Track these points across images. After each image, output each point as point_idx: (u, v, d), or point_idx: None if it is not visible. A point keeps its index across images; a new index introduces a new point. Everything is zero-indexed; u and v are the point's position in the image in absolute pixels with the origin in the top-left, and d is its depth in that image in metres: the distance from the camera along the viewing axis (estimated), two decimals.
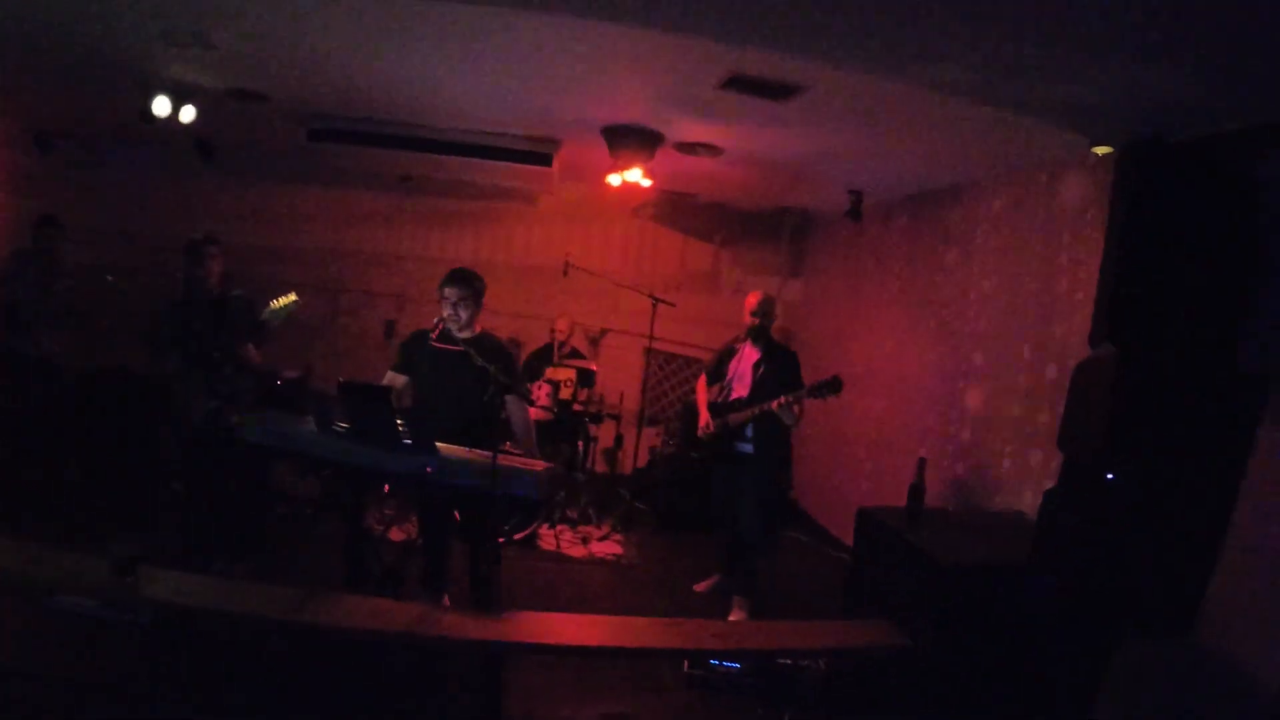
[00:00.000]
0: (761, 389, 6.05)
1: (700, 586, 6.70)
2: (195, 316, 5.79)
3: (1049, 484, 4.94)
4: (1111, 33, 3.51)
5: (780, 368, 6.11)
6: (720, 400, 6.34)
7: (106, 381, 7.77)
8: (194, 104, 6.52)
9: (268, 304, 5.57)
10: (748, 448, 6.19)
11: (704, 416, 6.36)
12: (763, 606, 6.16)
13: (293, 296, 5.62)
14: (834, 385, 5.61)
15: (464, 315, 5.10)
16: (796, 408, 5.83)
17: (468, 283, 5.14)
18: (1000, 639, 4.48)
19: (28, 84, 6.94)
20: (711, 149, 6.76)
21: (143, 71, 6.07)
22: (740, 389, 6.22)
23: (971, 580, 4.55)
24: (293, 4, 4.56)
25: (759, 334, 6.19)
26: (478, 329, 5.23)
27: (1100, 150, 4.94)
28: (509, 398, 5.07)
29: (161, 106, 6.36)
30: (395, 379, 5.27)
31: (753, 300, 6.22)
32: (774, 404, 5.83)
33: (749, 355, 6.24)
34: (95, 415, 7.56)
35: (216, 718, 4.11)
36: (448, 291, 5.11)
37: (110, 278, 7.37)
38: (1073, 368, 4.82)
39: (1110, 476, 4.26)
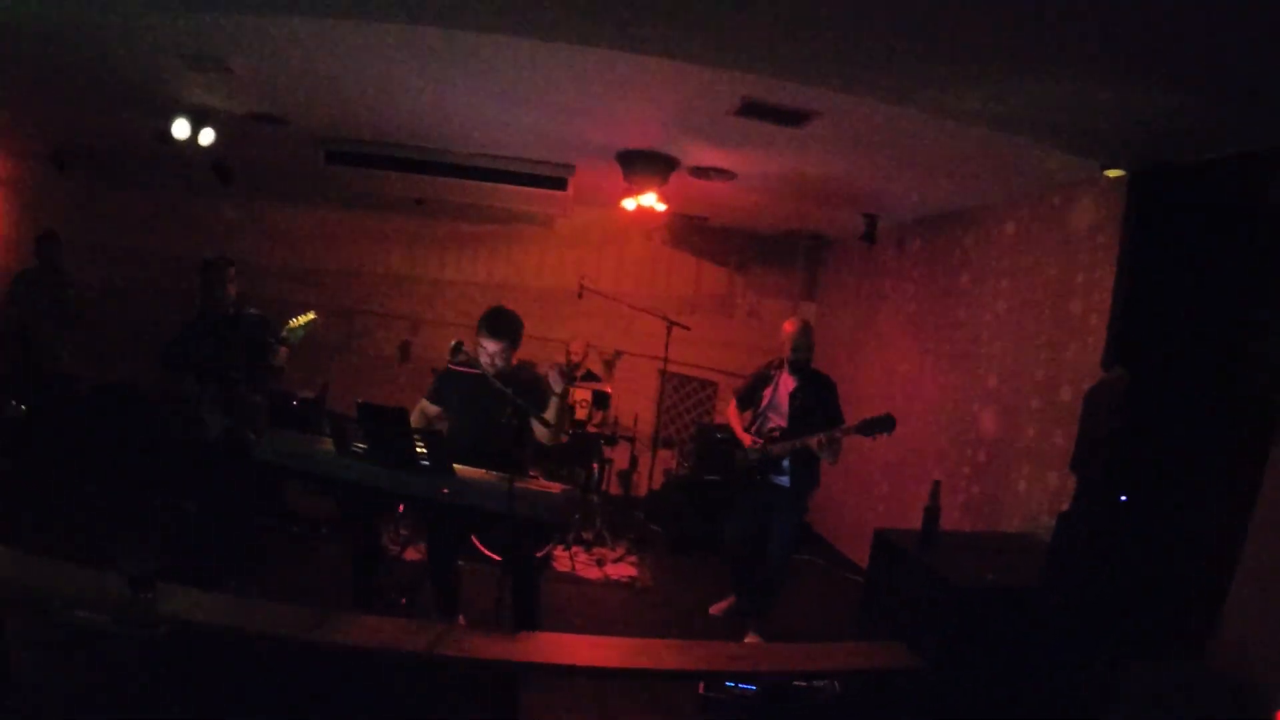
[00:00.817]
0: (802, 420, 5.92)
1: (715, 609, 6.67)
2: (210, 335, 5.84)
3: (1065, 506, 4.94)
4: (1120, 59, 3.55)
5: (820, 398, 5.98)
6: (754, 429, 6.21)
7: (117, 397, 7.84)
8: (213, 127, 6.60)
9: (286, 323, 5.62)
10: (784, 480, 6.04)
11: (746, 439, 6.17)
12: (777, 629, 6.14)
13: (311, 315, 5.68)
14: (886, 423, 5.45)
15: (500, 364, 4.98)
16: (836, 447, 5.67)
17: (506, 334, 4.99)
18: (1013, 661, 4.48)
19: (48, 104, 7.04)
20: (725, 173, 6.81)
21: (163, 94, 6.17)
22: (777, 419, 6.08)
23: (985, 602, 4.54)
24: (311, 31, 4.64)
25: (798, 366, 6.05)
26: (514, 361, 5.15)
27: (1112, 174, 4.98)
28: (534, 422, 4.96)
29: (181, 129, 6.45)
30: (427, 409, 5.27)
31: (791, 329, 6.08)
32: (813, 442, 5.67)
33: (786, 384, 6.11)
34: (107, 430, 7.63)
35: None
36: (489, 345, 4.97)
37: (120, 283, 7.51)
38: (1085, 390, 4.84)
39: (1123, 498, 4.26)
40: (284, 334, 5.61)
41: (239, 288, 6.02)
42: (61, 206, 9.60)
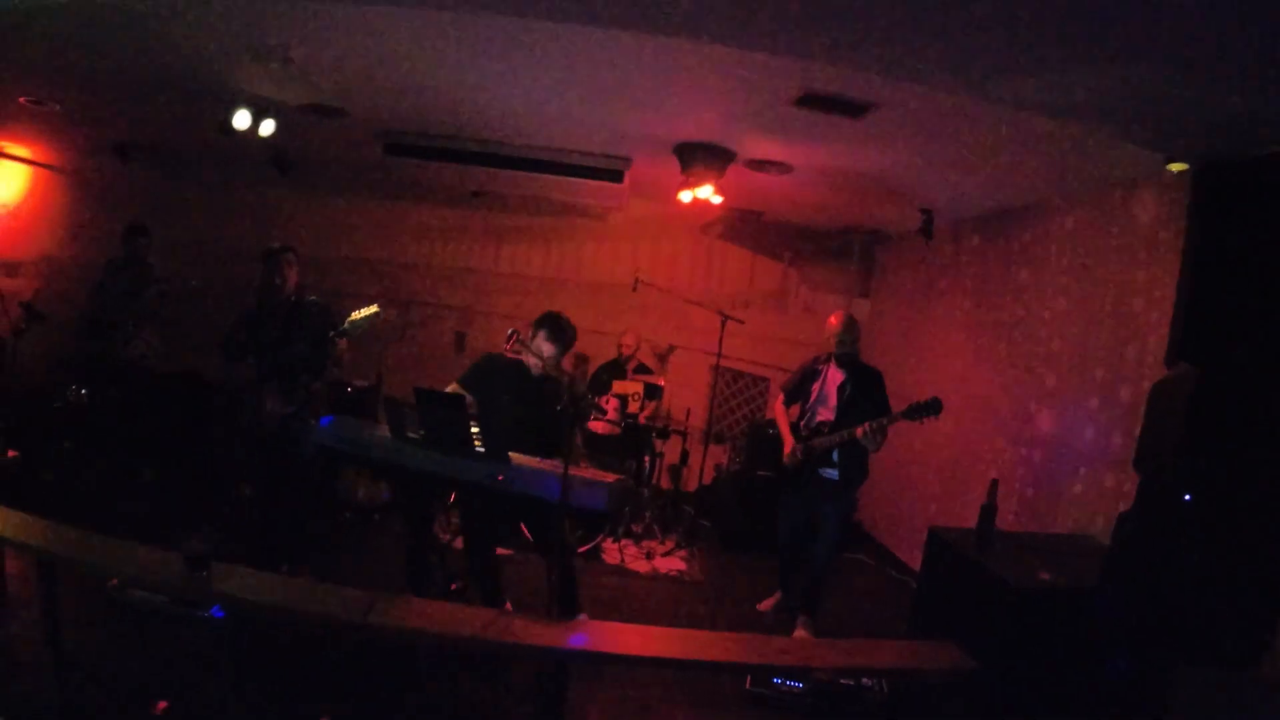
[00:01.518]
0: (849, 413, 5.92)
1: (764, 605, 6.65)
2: (270, 324, 5.90)
3: (1122, 507, 4.86)
4: (1188, 49, 3.48)
5: (867, 390, 5.99)
6: (803, 423, 6.22)
7: (181, 385, 7.98)
8: (274, 118, 6.68)
9: (348, 315, 5.67)
10: (833, 474, 6.06)
11: (789, 442, 6.22)
12: (826, 628, 6.10)
13: (374, 309, 5.72)
14: (933, 407, 5.46)
15: (548, 370, 5.18)
16: (880, 436, 5.69)
17: (566, 343, 5.25)
18: (1068, 664, 4.40)
19: (111, 97, 7.15)
20: (782, 166, 6.77)
21: (224, 86, 6.25)
22: (825, 413, 6.10)
23: (1041, 603, 4.47)
24: (372, 24, 4.68)
25: (844, 359, 6.08)
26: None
27: (1175, 167, 4.87)
28: None
29: (242, 120, 6.53)
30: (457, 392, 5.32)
31: (836, 322, 6.09)
32: (858, 431, 5.68)
33: (833, 377, 6.13)
34: (171, 417, 7.76)
35: (277, 713, 4.19)
36: (545, 348, 5.18)
37: (194, 282, 7.63)
38: (1148, 388, 4.75)
39: (1187, 498, 4.18)
40: (345, 326, 5.65)
41: (299, 277, 6.08)
42: (125, 197, 9.80)
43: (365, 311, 5.69)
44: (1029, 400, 6.56)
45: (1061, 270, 6.37)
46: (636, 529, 8.08)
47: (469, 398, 5.20)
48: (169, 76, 6.19)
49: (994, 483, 5.34)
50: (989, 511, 5.22)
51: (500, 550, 5.83)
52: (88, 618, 4.58)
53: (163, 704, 3.95)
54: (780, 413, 6.44)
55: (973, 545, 5.14)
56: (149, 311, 7.69)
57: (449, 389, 5.24)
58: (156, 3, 4.73)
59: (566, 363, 5.53)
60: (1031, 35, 3.62)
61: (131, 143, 9.25)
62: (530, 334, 5.24)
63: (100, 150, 9.39)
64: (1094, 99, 4.25)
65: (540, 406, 5.20)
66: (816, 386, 6.18)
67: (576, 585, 5.41)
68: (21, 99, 7.50)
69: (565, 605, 5.17)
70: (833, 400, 6.06)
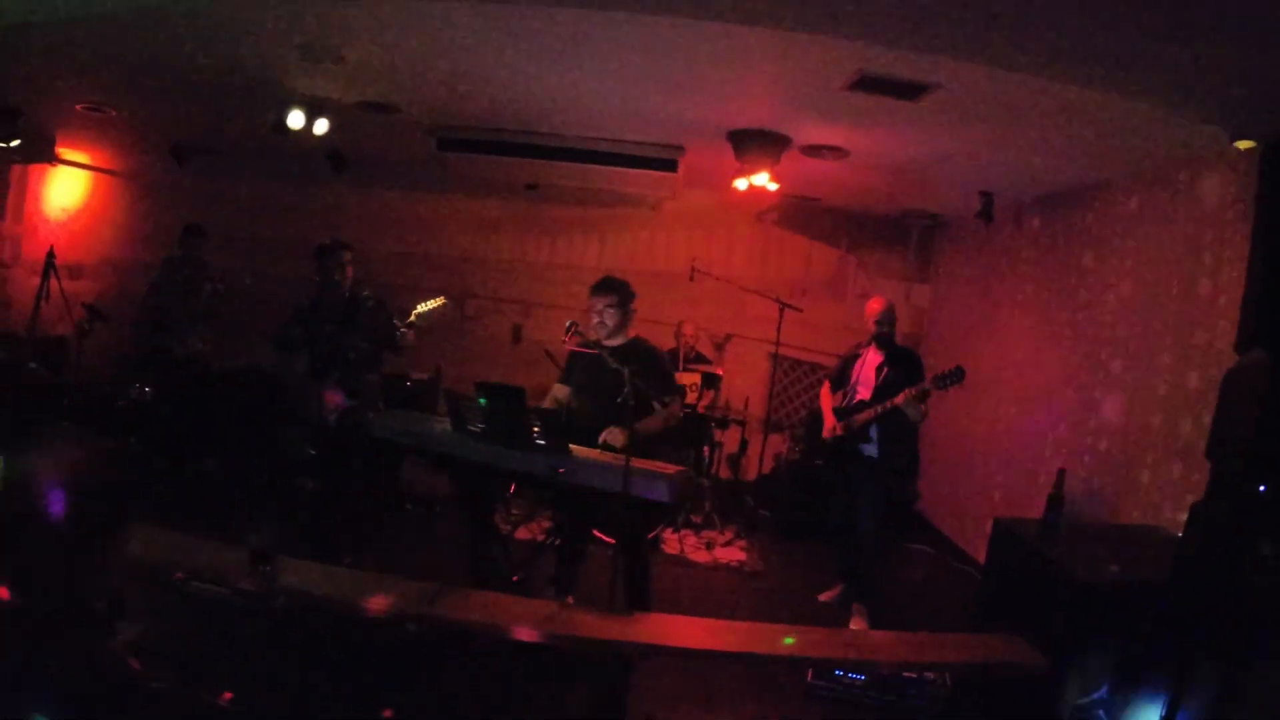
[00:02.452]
0: (885, 390, 6.03)
1: (825, 596, 6.63)
2: (327, 318, 5.99)
3: (1190, 498, 4.74)
4: (1255, 23, 3.38)
5: (904, 368, 6.09)
6: (844, 403, 6.35)
7: (241, 379, 8.12)
8: (327, 117, 6.74)
9: (414, 306, 5.74)
10: (871, 449, 6.19)
11: (829, 420, 6.38)
12: (886, 619, 6.04)
13: (440, 300, 5.79)
14: (956, 375, 5.61)
15: (610, 322, 5.23)
16: (923, 405, 5.86)
17: (612, 289, 5.27)
18: (1137, 659, 4.31)
19: (168, 99, 7.26)
20: (838, 151, 6.69)
21: (278, 86, 6.31)
22: (864, 392, 6.21)
23: (1110, 597, 4.35)
24: (424, 20, 4.71)
25: (883, 340, 6.24)
26: (630, 334, 5.34)
27: (1243, 145, 4.75)
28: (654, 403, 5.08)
29: (296, 119, 6.60)
30: (558, 391, 5.48)
31: (875, 307, 6.28)
32: (898, 399, 5.82)
33: (872, 359, 6.28)
34: (232, 411, 7.89)
35: (340, 705, 4.23)
36: (593, 300, 5.26)
37: (248, 279, 7.76)
38: (1219, 375, 4.63)
39: (1262, 489, 4.07)
40: (413, 318, 5.72)
41: (355, 272, 6.15)
42: (181, 198, 9.99)
43: (432, 304, 5.78)
44: (1094, 387, 6.43)
45: (1126, 253, 6.23)
46: (696, 519, 8.08)
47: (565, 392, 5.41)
48: (224, 80, 6.27)
49: (1061, 472, 5.23)
50: (1056, 502, 5.10)
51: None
52: (154, 610, 4.66)
53: (228, 694, 4.01)
54: (825, 397, 6.60)
55: (1039, 536, 5.03)
56: (204, 308, 7.85)
57: (551, 392, 5.45)
58: (213, 8, 4.81)
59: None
60: (1106, 15, 3.54)
61: (187, 145, 9.39)
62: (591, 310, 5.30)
63: (157, 153, 9.55)
64: (1166, 77, 4.16)
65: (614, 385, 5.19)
66: (856, 368, 6.38)
67: (649, 580, 5.40)
68: (79, 106, 7.66)
69: (637, 600, 5.15)
70: (872, 381, 6.20)
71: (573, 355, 5.45)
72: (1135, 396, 5.92)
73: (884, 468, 6.21)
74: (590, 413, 5.17)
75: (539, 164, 7.62)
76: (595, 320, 5.23)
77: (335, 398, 5.88)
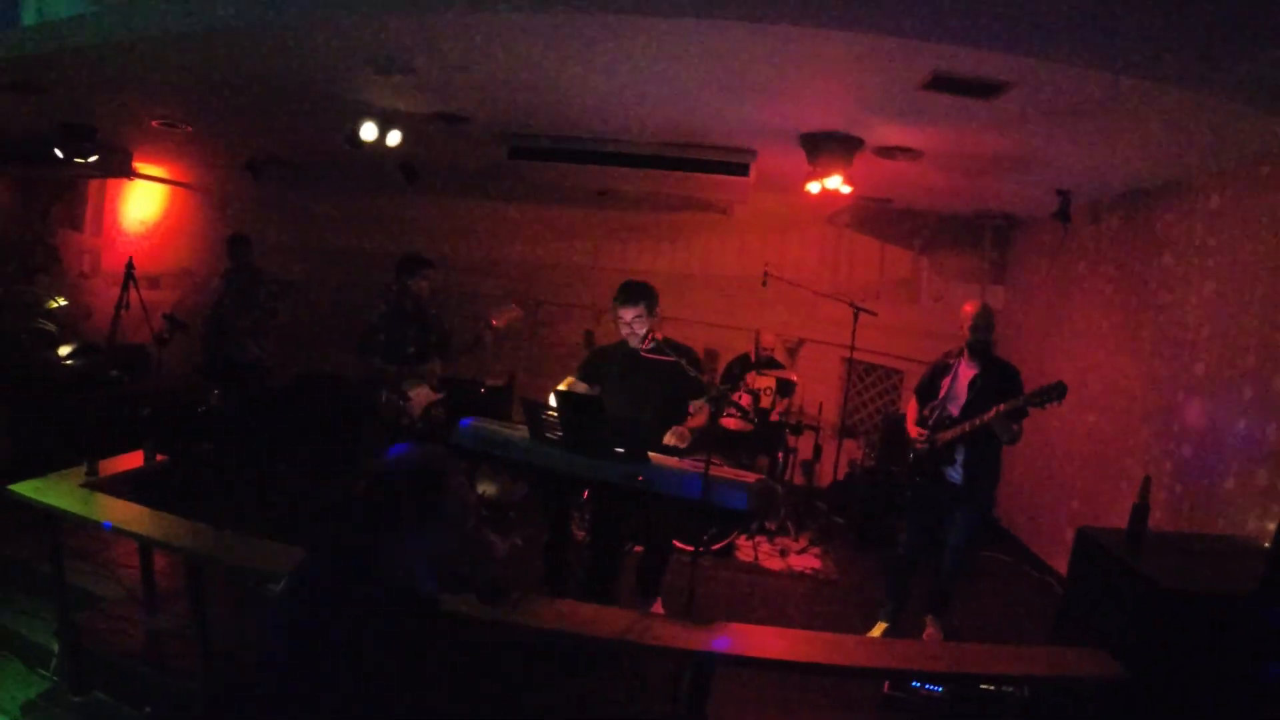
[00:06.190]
0: (977, 407, 5.55)
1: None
2: (406, 326, 6.27)
3: (1276, 507, 4.61)
4: None
5: (1000, 384, 5.60)
6: (931, 418, 5.89)
7: (315, 385, 8.28)
8: (400, 128, 6.85)
9: (489, 314, 5.91)
10: (955, 475, 5.73)
11: (911, 432, 5.95)
12: (963, 628, 5.97)
13: (517, 311, 5.92)
14: (1057, 391, 5.21)
15: (641, 330, 5.25)
16: (1015, 425, 5.41)
17: (641, 298, 5.25)
18: (1228, 675, 4.18)
19: (242, 115, 7.44)
20: (911, 152, 6.61)
21: (351, 99, 6.44)
22: (955, 409, 5.75)
23: (1198, 610, 4.19)
24: (495, 30, 4.75)
25: (978, 349, 5.74)
26: (658, 336, 5.32)
27: None
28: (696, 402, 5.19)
29: (369, 132, 6.72)
30: (577, 386, 5.43)
31: (971, 310, 5.76)
32: (988, 415, 5.39)
33: (965, 372, 5.79)
34: (304, 417, 8.04)
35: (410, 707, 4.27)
36: (622, 311, 5.25)
37: (292, 279, 8.04)
38: None
39: None
40: (491, 324, 5.96)
41: (432, 285, 6.38)
42: (257, 210, 10.26)
43: (509, 313, 5.94)
44: (1176, 391, 6.25)
45: (1209, 252, 6.06)
46: (770, 526, 8.02)
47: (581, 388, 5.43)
48: (297, 95, 6.41)
49: (1146, 480, 5.06)
50: (1141, 511, 4.91)
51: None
52: (232, 611, 4.76)
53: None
54: (911, 412, 6.15)
55: (1124, 546, 4.88)
56: (261, 314, 8.05)
57: (564, 383, 5.45)
58: (287, 26, 4.91)
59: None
60: (1188, 10, 3.46)
61: (261, 158, 9.59)
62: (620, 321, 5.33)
63: (231, 166, 9.78)
64: (1249, 73, 4.05)
65: (652, 389, 5.24)
66: (947, 382, 5.86)
67: (663, 573, 5.54)
68: (154, 122, 7.88)
69: (647, 586, 5.38)
70: (963, 397, 5.73)
71: (597, 360, 5.54)
72: (1218, 401, 5.76)
73: (975, 498, 5.79)
74: (650, 415, 5.14)
75: (609, 170, 7.65)
76: (625, 331, 5.25)
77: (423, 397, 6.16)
